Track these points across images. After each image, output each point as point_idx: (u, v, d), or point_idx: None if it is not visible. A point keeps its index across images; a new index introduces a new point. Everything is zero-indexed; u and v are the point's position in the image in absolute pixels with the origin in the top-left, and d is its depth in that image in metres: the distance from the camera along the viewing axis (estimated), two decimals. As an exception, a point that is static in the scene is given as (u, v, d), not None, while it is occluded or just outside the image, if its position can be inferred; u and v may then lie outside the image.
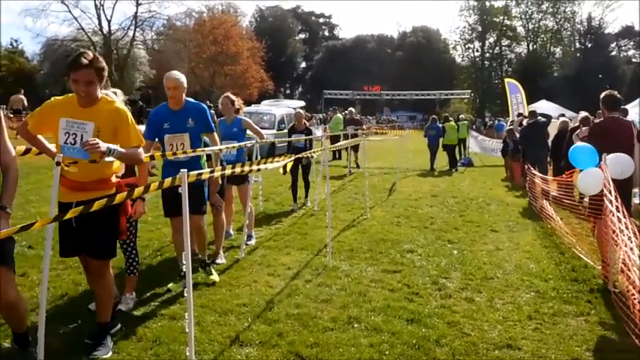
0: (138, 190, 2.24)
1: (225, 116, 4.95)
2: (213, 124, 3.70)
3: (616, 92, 4.31)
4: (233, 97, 4.94)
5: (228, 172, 3.01)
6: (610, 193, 3.44)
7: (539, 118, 8.64)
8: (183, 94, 3.56)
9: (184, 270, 2.80)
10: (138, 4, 30.90)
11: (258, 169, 3.96)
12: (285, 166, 3.88)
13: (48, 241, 2.29)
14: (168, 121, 3.54)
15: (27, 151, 2.63)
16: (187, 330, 2.25)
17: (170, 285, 3.51)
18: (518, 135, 9.71)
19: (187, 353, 2.27)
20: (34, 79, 32.05)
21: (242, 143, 4.72)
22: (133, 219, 2.96)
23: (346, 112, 16.56)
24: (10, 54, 33.74)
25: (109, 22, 31.09)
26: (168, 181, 2.32)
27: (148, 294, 3.42)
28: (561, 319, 3.18)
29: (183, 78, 3.54)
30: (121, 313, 3.12)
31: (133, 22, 31.37)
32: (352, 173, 10.66)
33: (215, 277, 3.70)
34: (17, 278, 2.76)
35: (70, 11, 29.46)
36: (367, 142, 9.28)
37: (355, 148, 11.04)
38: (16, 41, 39.02)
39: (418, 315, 3.17)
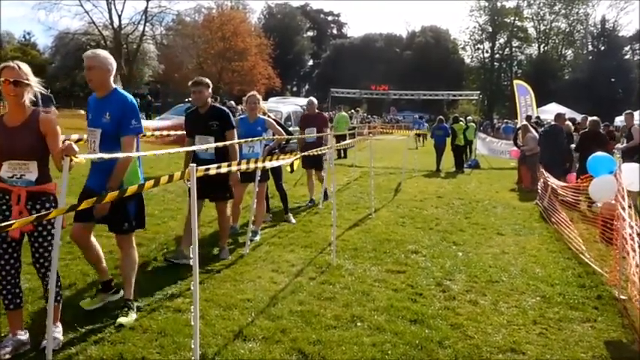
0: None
1: (247, 114, 4.95)
2: (138, 126, 2.82)
3: None
4: (259, 96, 4.98)
5: (234, 168, 3.02)
6: (623, 199, 3.40)
7: (551, 121, 8.58)
8: (108, 79, 2.82)
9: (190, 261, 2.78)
10: (148, -1, 31.03)
11: (264, 167, 3.97)
12: (292, 164, 3.88)
13: (57, 232, 2.32)
14: (91, 112, 2.91)
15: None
16: (192, 323, 2.27)
17: (120, 320, 2.81)
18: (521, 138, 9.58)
19: (192, 346, 2.29)
20: (45, 72, 32.38)
21: (261, 137, 4.74)
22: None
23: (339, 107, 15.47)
24: (22, 46, 34.12)
25: (119, 16, 31.32)
26: (177, 174, 2.31)
27: (154, 286, 3.44)
28: (567, 325, 3.15)
29: (104, 58, 2.81)
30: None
31: (143, 16, 31.53)
32: (314, 204, 6.69)
33: (130, 319, 2.84)
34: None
35: (81, 5, 29.71)
36: (373, 142, 9.19)
37: (318, 165, 6.80)
38: (28, 34, 39.55)
39: (421, 316, 3.17)
